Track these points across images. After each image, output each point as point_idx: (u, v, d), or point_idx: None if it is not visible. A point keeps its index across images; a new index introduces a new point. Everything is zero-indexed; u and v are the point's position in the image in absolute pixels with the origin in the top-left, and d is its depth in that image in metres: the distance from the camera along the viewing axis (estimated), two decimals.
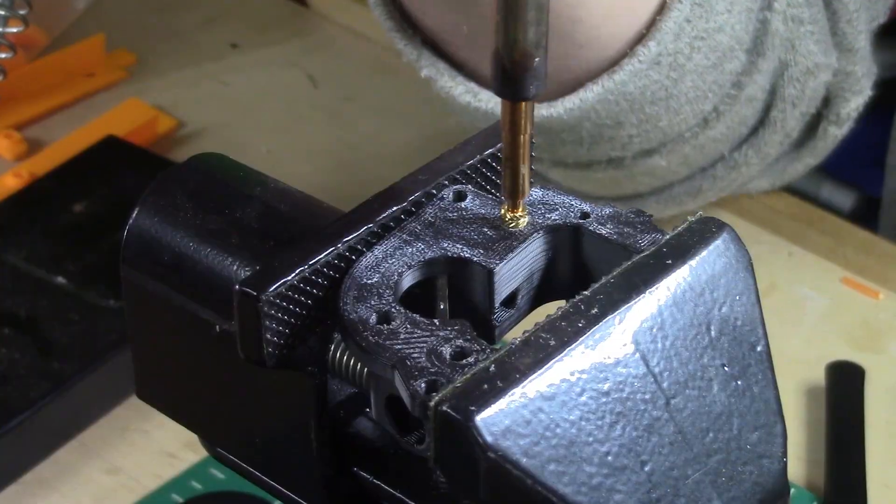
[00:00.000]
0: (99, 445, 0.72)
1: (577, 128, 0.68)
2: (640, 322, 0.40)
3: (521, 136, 0.41)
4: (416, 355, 0.39)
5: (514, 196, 0.43)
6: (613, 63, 0.65)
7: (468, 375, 0.38)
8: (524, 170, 0.42)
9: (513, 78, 0.40)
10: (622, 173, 0.74)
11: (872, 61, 0.78)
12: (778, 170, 0.80)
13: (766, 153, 0.76)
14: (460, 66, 0.68)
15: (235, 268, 0.44)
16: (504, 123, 0.41)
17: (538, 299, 0.45)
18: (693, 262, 0.41)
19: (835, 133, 0.78)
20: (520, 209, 0.43)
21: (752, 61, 0.70)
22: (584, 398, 0.38)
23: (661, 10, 0.64)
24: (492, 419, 0.37)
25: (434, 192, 0.45)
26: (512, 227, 0.43)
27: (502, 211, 0.43)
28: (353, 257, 0.43)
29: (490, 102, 0.67)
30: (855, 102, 0.77)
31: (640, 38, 0.65)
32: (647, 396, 0.40)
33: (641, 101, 0.67)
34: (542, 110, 0.66)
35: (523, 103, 0.41)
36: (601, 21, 0.63)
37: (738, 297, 0.42)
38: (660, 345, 0.40)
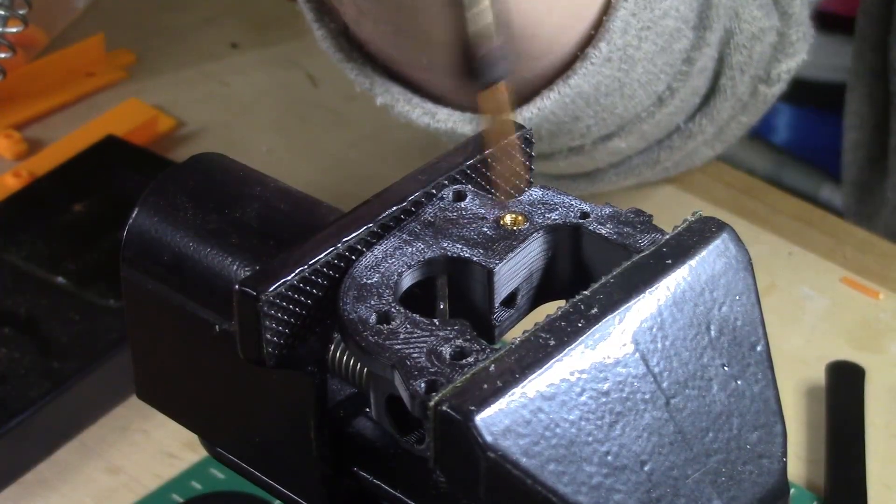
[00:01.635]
0: (99, 445, 0.72)
1: (536, 129, 0.69)
2: (639, 322, 0.40)
3: (506, 118, 0.42)
4: (415, 355, 0.39)
5: (504, 189, 0.44)
6: (565, 63, 0.65)
7: (468, 375, 0.38)
8: (517, 166, 0.43)
9: (475, 67, 0.40)
10: (583, 158, 0.75)
11: (809, 26, 0.78)
12: (721, 136, 0.81)
13: (720, 119, 0.77)
14: (417, 87, 0.67)
15: (235, 268, 0.44)
16: (484, 112, 0.42)
17: (538, 299, 0.45)
18: (693, 262, 0.41)
19: (765, 92, 0.78)
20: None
21: (700, 36, 0.71)
22: (583, 398, 0.38)
23: (607, 9, 0.65)
24: (492, 419, 0.37)
25: (434, 192, 0.45)
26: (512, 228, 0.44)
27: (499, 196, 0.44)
28: (353, 257, 0.43)
29: (448, 122, 0.67)
30: (786, 65, 0.78)
31: (588, 39, 0.65)
32: (646, 396, 0.40)
33: (596, 96, 0.68)
34: None
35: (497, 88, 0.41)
36: (555, 34, 0.64)
37: (737, 297, 0.42)
38: (659, 345, 0.40)
